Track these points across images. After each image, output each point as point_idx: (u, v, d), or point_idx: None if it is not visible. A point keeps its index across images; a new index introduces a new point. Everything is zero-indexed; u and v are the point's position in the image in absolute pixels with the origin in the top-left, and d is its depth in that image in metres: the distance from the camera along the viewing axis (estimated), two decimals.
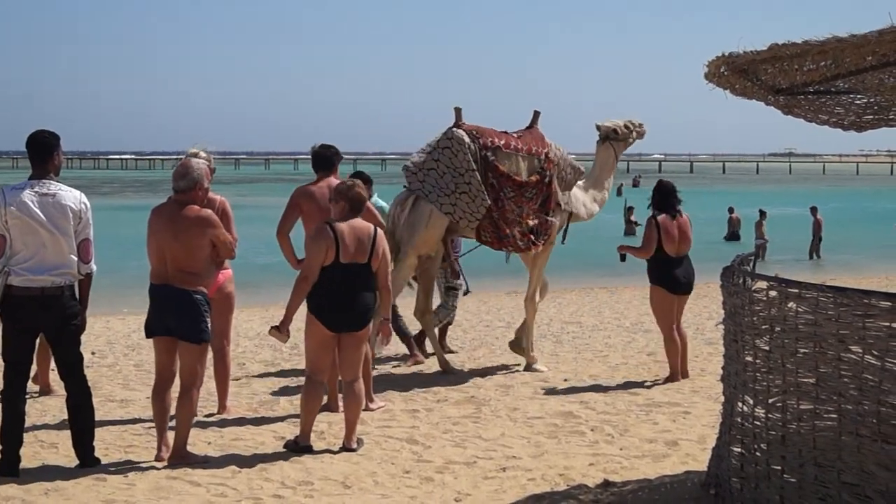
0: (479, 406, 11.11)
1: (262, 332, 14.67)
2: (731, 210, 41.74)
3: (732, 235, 40.44)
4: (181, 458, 8.97)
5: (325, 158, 10.90)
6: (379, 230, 9.44)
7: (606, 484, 8.14)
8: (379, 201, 13.49)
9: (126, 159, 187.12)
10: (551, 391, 11.91)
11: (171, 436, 9.13)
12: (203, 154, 10.43)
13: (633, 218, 43.01)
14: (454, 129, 12.90)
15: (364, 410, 10.22)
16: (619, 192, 62.61)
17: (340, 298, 9.20)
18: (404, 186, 13.02)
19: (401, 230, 12.74)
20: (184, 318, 8.94)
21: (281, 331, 9.40)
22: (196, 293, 8.97)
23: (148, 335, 9.22)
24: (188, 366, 9.07)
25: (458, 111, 13.10)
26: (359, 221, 9.33)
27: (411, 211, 12.77)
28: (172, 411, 9.19)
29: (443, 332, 15.00)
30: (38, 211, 8.57)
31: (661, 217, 12.50)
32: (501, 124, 13.74)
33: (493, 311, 20.03)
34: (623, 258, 13.02)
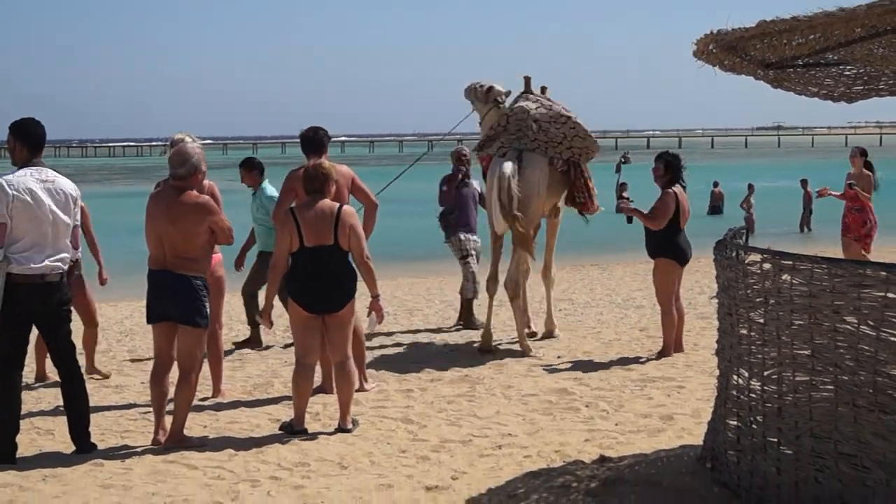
0: (473, 384, 11.13)
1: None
2: (715, 184, 41.59)
3: (714, 209, 40.20)
4: (178, 440, 8.99)
5: (314, 141, 10.89)
6: (344, 208, 9.37)
7: (603, 459, 8.15)
8: (269, 189, 13.68)
9: (113, 146, 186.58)
10: (545, 368, 11.92)
11: (168, 420, 9.15)
12: (189, 139, 10.43)
13: (625, 195, 42.93)
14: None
15: (358, 391, 10.25)
16: (617, 169, 62.56)
17: (313, 281, 9.22)
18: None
19: (522, 190, 12.62)
20: (183, 304, 8.98)
21: (263, 317, 9.46)
22: (195, 278, 9.02)
23: (148, 321, 9.23)
24: (187, 350, 9.09)
25: (527, 80, 13.60)
26: (323, 202, 9.32)
27: (526, 167, 12.79)
28: (170, 396, 9.21)
29: (470, 309, 15.26)
30: (43, 197, 8.56)
31: (678, 189, 12.35)
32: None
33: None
34: (630, 220, 12.79)
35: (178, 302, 9.00)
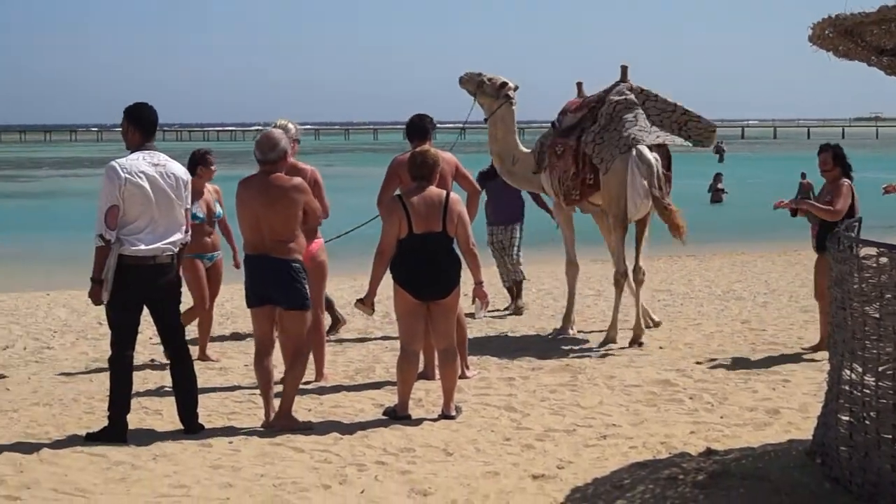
0: (574, 374, 11.11)
1: (353, 301, 14.75)
2: (803, 175, 40.97)
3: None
4: (287, 420, 9.11)
5: (420, 127, 10.95)
6: (452, 195, 9.45)
7: (709, 452, 8.10)
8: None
9: (208, 131, 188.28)
10: (647, 359, 11.86)
11: (277, 402, 9.27)
12: (291, 126, 10.62)
13: (720, 185, 42.52)
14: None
15: (460, 378, 10.27)
16: (721, 159, 61.84)
17: (420, 267, 9.27)
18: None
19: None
20: (285, 288, 9.08)
21: (365, 303, 9.56)
22: (294, 262, 9.13)
23: (249, 305, 9.34)
24: (295, 333, 9.21)
25: (624, 69, 13.43)
26: (431, 190, 9.37)
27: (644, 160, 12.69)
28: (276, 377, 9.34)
29: (519, 291, 15.43)
30: (159, 180, 8.70)
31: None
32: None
33: (582, 280, 19.85)
34: (794, 213, 12.35)
35: (280, 286, 9.11)
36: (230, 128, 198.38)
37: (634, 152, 12.58)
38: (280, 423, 9.10)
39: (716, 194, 42.20)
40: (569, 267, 13.90)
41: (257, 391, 10.14)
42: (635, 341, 12.73)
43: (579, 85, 14.03)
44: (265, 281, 9.15)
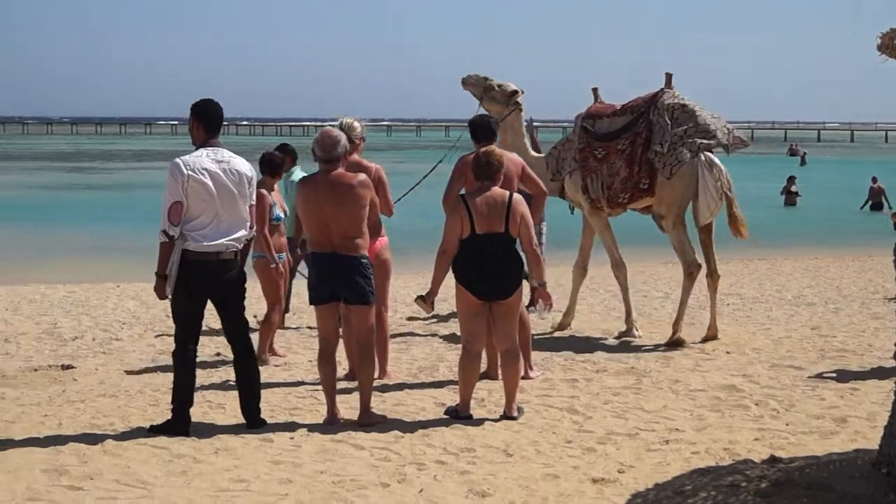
0: (639, 377, 11.03)
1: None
2: (874, 179, 40.48)
3: (875, 205, 38.96)
4: (367, 416, 9.16)
5: (484, 128, 10.91)
6: (515, 196, 9.41)
7: (773, 460, 8.01)
8: (297, 174, 13.83)
9: (280, 126, 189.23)
10: (713, 364, 11.76)
11: (339, 399, 9.32)
12: (357, 124, 10.66)
13: (794, 188, 42.09)
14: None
15: (523, 379, 10.24)
16: (802, 161, 61.24)
17: (483, 268, 9.25)
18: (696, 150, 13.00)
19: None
20: (353, 284, 9.15)
21: (426, 301, 9.54)
22: (363, 258, 9.19)
23: (314, 303, 9.37)
24: (364, 328, 9.29)
25: (668, 76, 13.44)
26: (495, 190, 9.35)
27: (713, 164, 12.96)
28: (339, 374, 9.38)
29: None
30: (222, 177, 8.75)
31: None
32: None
33: (650, 282, 19.85)
34: None
35: (350, 283, 9.16)
36: (305, 122, 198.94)
37: (703, 157, 12.74)
38: (362, 420, 9.15)
39: (789, 197, 41.76)
40: (617, 269, 13.90)
41: (320, 387, 10.17)
42: (711, 339, 13.01)
43: (595, 90, 14.00)
44: (332, 278, 9.18)
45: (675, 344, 12.83)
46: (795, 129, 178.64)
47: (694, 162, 12.75)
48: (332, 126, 10.08)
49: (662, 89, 13.36)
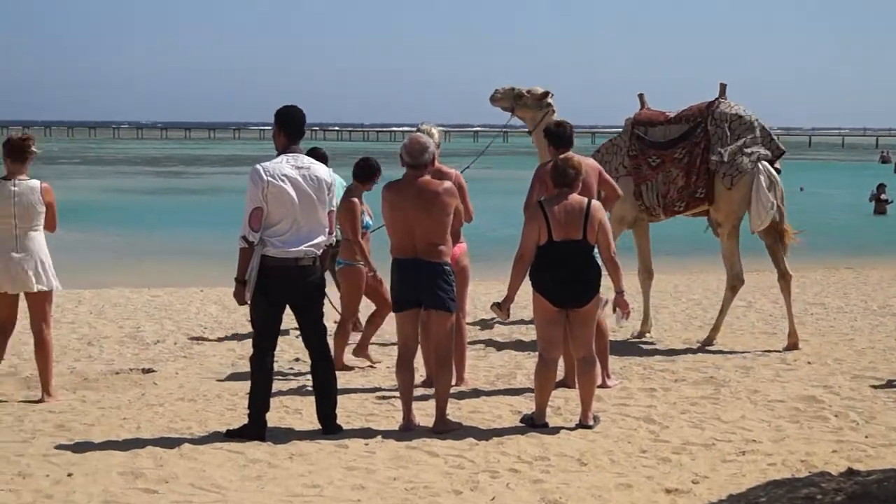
0: (718, 387, 10.94)
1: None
2: None
3: None
4: (443, 424, 9.19)
5: (562, 135, 10.88)
6: (593, 203, 9.40)
7: (850, 472, 7.88)
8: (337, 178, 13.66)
9: (368, 131, 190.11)
10: (793, 374, 11.63)
11: (415, 406, 9.37)
12: (435, 131, 10.80)
13: (884, 196, 41.47)
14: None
15: (600, 387, 10.22)
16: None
17: (560, 274, 9.23)
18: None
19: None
20: (435, 290, 9.19)
21: (502, 308, 9.55)
22: (446, 265, 9.24)
23: (396, 309, 9.40)
24: (443, 334, 9.33)
25: (723, 86, 13.52)
26: (573, 197, 9.33)
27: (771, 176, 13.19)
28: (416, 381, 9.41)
29: None
30: (301, 183, 8.82)
31: None
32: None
33: None
34: None
35: (432, 289, 9.19)
36: (394, 128, 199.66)
37: (762, 167, 12.96)
38: (438, 427, 9.19)
39: (879, 205, 41.09)
40: (645, 276, 14.25)
41: (397, 394, 10.21)
42: (792, 348, 13.08)
43: (641, 96, 14.07)
44: (415, 284, 9.22)
45: (706, 344, 13.32)
46: (888, 135, 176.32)
47: (753, 172, 12.94)
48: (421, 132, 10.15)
49: (717, 99, 13.44)
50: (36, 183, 10.35)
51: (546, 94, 13.80)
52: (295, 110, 9.14)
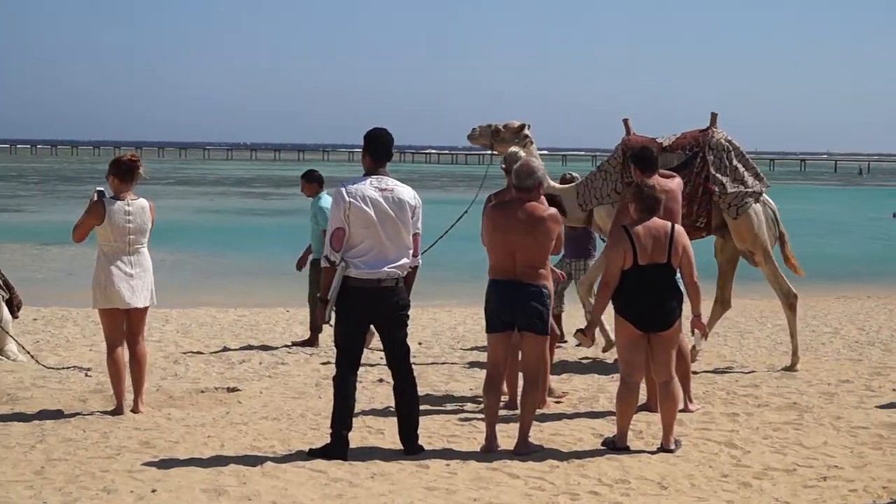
0: (801, 413, 10.86)
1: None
2: None
3: None
4: (524, 446, 9.24)
5: (645, 158, 10.87)
6: (677, 227, 9.42)
7: None
8: (324, 199, 14.88)
9: (456, 154, 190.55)
10: (878, 401, 11.51)
11: (499, 428, 9.41)
12: (522, 153, 10.95)
13: None
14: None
15: (682, 411, 10.20)
16: None
17: (644, 299, 9.25)
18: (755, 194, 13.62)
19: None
20: (531, 312, 9.24)
21: (586, 334, 9.59)
22: (544, 287, 9.30)
23: (490, 330, 9.45)
24: (534, 357, 9.39)
25: (714, 116, 13.76)
26: (656, 221, 9.35)
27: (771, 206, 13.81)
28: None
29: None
30: (383, 205, 8.90)
31: None
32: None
33: (820, 316, 19.52)
34: None
35: (529, 311, 9.24)
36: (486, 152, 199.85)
37: (763, 198, 13.56)
38: (519, 449, 9.22)
39: None
40: (583, 288, 14.18)
41: (479, 415, 10.28)
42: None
43: (626, 122, 14.01)
44: (512, 305, 9.27)
45: (789, 369, 13.44)
46: None
47: (756, 205, 13.53)
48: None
49: (710, 128, 13.64)
50: (145, 202, 10.75)
51: (522, 126, 13.78)
52: (382, 133, 9.23)
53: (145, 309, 10.89)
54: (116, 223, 10.52)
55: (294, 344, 15.47)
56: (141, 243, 10.70)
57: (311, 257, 15.28)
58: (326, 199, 14.68)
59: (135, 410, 10.68)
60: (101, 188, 10.75)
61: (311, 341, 15.34)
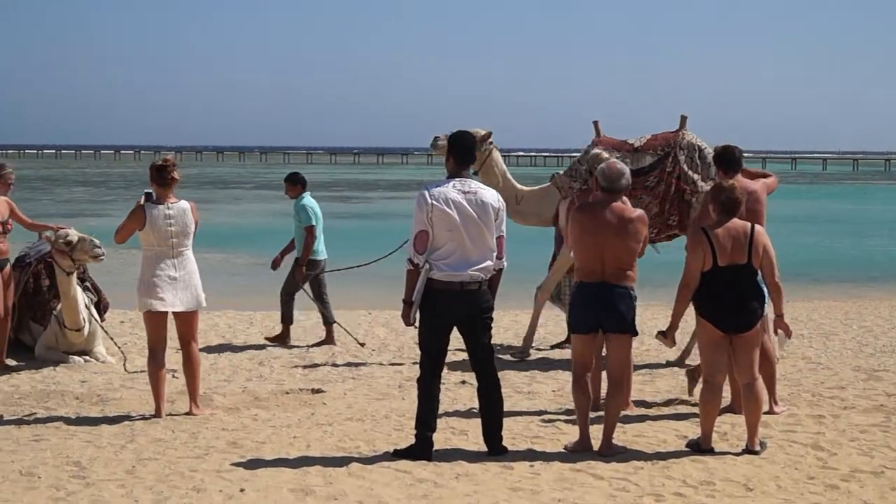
0: (888, 415, 10.75)
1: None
2: None
3: None
4: (608, 447, 9.25)
5: (728, 159, 10.82)
6: (757, 227, 9.36)
7: None
8: (306, 199, 15.43)
9: (535, 156, 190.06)
10: None
11: (591, 429, 9.44)
12: (605, 154, 11.04)
13: None
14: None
15: (767, 413, 10.16)
16: None
17: (724, 300, 9.22)
18: None
19: None
20: (620, 314, 9.29)
21: (667, 336, 9.57)
22: (632, 289, 9.36)
23: (575, 331, 9.49)
24: (620, 357, 9.45)
25: (683, 118, 13.95)
26: (736, 222, 9.32)
27: None
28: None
29: None
30: (466, 207, 8.94)
31: None
32: None
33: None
34: None
35: (616, 313, 9.29)
36: (567, 153, 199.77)
37: None
38: (603, 451, 9.24)
39: None
40: (542, 293, 14.44)
41: (562, 416, 10.30)
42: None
43: (596, 124, 14.29)
44: (600, 307, 9.31)
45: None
46: None
47: None
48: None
49: (680, 130, 13.84)
50: (186, 204, 10.83)
51: (487, 134, 14.10)
52: (465, 136, 9.28)
53: (194, 313, 10.90)
54: (158, 227, 10.64)
55: (266, 339, 15.90)
56: (185, 245, 10.76)
57: (295, 255, 15.84)
58: (309, 199, 15.52)
59: (189, 413, 10.80)
60: (150, 190, 10.85)
61: (283, 336, 15.74)
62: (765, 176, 11.19)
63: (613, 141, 14.05)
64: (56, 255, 13.26)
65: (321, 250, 15.72)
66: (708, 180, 13.31)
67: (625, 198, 9.70)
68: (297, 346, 15.47)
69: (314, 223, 15.46)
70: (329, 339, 15.75)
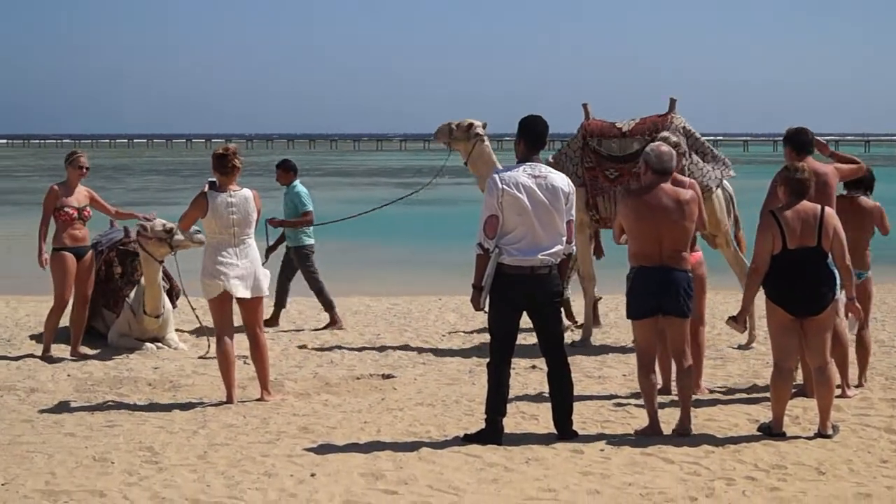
0: None
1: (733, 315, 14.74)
2: None
3: None
4: (683, 431, 9.30)
5: (798, 141, 10.72)
6: (827, 209, 9.28)
7: None
8: (299, 187, 15.60)
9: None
10: None
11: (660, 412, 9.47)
12: (673, 139, 11.01)
13: None
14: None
15: (840, 397, 10.10)
16: None
17: (794, 283, 9.15)
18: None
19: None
20: (678, 296, 9.32)
21: (738, 321, 9.54)
22: (689, 272, 9.43)
23: (637, 317, 9.48)
24: (679, 339, 9.48)
25: (672, 101, 13.77)
26: (805, 204, 9.24)
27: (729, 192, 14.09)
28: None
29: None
30: (537, 192, 8.94)
31: None
32: None
33: None
34: None
35: (676, 296, 9.33)
36: None
37: (724, 183, 13.71)
38: (679, 433, 9.28)
39: None
40: (587, 282, 14.43)
41: (632, 400, 10.28)
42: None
43: (585, 106, 14.20)
44: (659, 291, 9.33)
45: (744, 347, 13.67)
46: None
47: (718, 190, 13.61)
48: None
49: (669, 114, 13.66)
50: (248, 192, 10.91)
51: (471, 125, 14.11)
52: (536, 120, 9.28)
53: (258, 299, 10.97)
54: (220, 215, 10.72)
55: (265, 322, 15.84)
56: (247, 234, 10.84)
57: (287, 243, 15.91)
58: (301, 186, 15.68)
59: (260, 399, 10.88)
60: (214, 179, 10.92)
61: (273, 318, 15.75)
62: (854, 162, 11.03)
63: (602, 124, 14.02)
64: (150, 244, 13.29)
65: (310, 235, 15.87)
66: (696, 166, 13.30)
67: (684, 177, 9.74)
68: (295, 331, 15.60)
69: (311, 208, 15.64)
70: (333, 323, 15.85)
